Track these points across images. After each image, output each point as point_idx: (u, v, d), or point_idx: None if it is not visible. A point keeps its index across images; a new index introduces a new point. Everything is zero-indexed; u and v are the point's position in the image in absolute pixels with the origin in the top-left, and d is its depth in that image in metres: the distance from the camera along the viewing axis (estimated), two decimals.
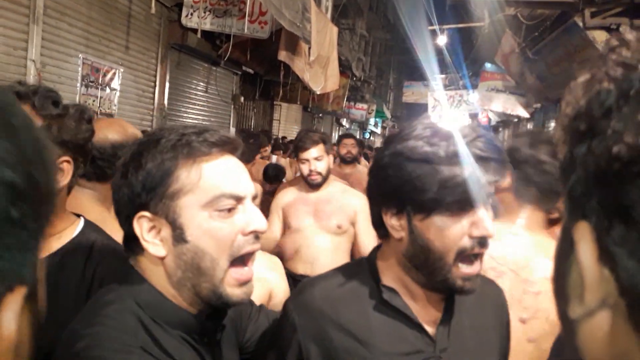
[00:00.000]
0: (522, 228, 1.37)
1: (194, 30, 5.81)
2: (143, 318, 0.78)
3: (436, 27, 12.26)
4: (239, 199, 0.82)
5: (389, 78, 27.55)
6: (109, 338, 0.74)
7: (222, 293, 0.80)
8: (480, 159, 0.85)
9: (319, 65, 7.11)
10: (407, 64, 27.24)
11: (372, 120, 21.75)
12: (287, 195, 2.89)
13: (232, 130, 8.28)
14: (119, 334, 0.75)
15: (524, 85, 9.93)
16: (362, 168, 4.71)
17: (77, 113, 1.13)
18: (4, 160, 0.31)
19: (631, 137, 0.28)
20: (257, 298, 1.77)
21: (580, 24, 5.57)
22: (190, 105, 7.13)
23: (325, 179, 2.74)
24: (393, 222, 0.91)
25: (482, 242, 0.87)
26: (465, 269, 0.88)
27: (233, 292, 0.81)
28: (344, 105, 12.65)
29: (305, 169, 2.73)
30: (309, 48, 6.30)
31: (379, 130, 25.32)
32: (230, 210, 0.80)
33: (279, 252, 2.75)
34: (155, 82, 6.05)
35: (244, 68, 8.26)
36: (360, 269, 1.01)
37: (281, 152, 6.83)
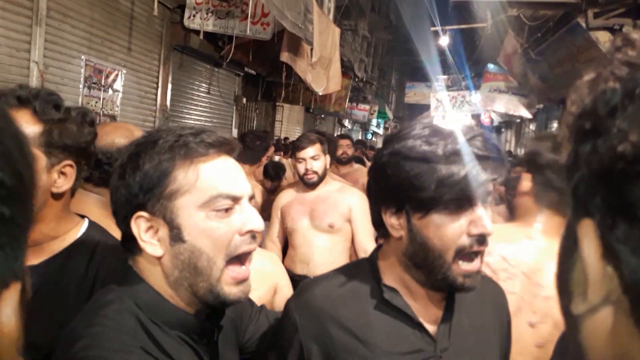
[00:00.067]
0: (539, 232, 1.37)
1: (197, 32, 5.82)
2: (142, 318, 0.79)
3: (438, 28, 12.26)
4: (235, 199, 0.82)
5: (391, 79, 27.55)
6: (108, 338, 0.74)
7: (220, 292, 0.81)
8: (478, 158, 0.85)
9: (321, 67, 7.11)
10: (410, 65, 27.24)
11: (374, 121, 21.75)
12: (285, 197, 2.94)
13: (235, 131, 8.29)
14: (118, 334, 0.75)
15: (527, 86, 9.92)
16: (359, 167, 4.75)
17: (78, 116, 1.12)
18: None
19: (636, 136, 0.28)
20: (264, 292, 1.80)
21: (583, 25, 5.57)
22: (193, 107, 7.15)
23: (321, 178, 2.77)
24: (392, 221, 0.92)
25: (481, 240, 0.88)
26: (465, 266, 0.88)
27: (230, 290, 0.82)
28: (346, 106, 12.65)
29: (301, 168, 2.76)
30: (311, 49, 6.30)
31: (381, 131, 25.32)
32: (227, 210, 0.81)
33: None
34: (157, 83, 6.06)
35: (246, 69, 8.28)
36: (361, 268, 1.02)
37: (282, 152, 6.84)
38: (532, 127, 13.79)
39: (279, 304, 1.82)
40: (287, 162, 5.46)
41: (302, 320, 0.97)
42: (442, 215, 0.86)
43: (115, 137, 1.43)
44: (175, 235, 0.79)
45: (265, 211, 3.11)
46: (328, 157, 2.85)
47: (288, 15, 5.07)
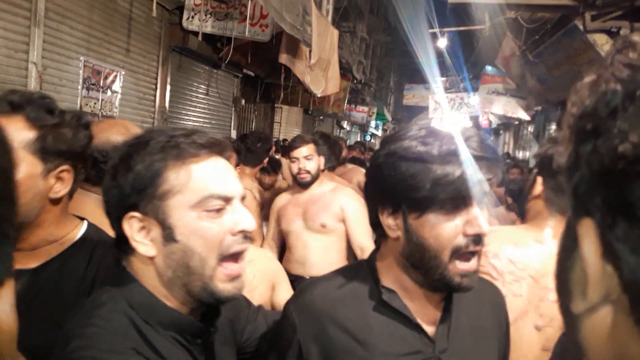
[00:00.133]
0: (549, 236, 1.36)
1: (195, 33, 5.82)
2: (135, 319, 0.79)
3: (437, 30, 12.27)
4: (227, 200, 0.83)
5: (389, 81, 27.58)
6: (101, 339, 0.75)
7: (213, 289, 0.81)
8: (473, 158, 0.86)
9: (320, 68, 7.12)
10: (408, 67, 27.27)
11: (372, 123, 21.78)
12: (280, 200, 2.98)
13: (233, 132, 8.29)
14: (111, 335, 0.76)
15: (525, 88, 9.95)
16: (352, 167, 4.82)
17: (73, 120, 1.10)
18: None
19: (636, 136, 0.28)
20: (264, 290, 1.82)
21: (581, 27, 5.59)
22: (191, 108, 7.15)
23: (314, 178, 2.79)
24: (389, 222, 0.93)
25: (477, 240, 0.88)
26: (461, 265, 0.89)
27: (224, 287, 0.82)
28: (344, 107, 12.65)
29: (294, 167, 2.78)
30: (310, 51, 6.31)
31: (379, 133, 25.34)
32: (219, 210, 0.82)
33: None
34: (156, 84, 6.06)
35: (244, 71, 8.28)
36: (360, 270, 1.02)
37: (280, 154, 6.84)
38: (530, 129, 13.82)
39: (278, 301, 1.86)
40: (285, 162, 5.47)
41: (300, 321, 0.97)
42: (438, 215, 0.87)
43: (111, 135, 1.41)
44: (168, 235, 0.79)
45: (265, 211, 3.12)
46: (322, 159, 2.87)
47: (286, 17, 5.08)
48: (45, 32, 4.19)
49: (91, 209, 1.31)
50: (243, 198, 0.86)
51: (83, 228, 1.17)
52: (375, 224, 0.97)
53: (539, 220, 1.39)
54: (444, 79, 18.48)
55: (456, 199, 0.86)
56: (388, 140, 0.94)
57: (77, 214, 1.19)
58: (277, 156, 5.66)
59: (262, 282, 1.81)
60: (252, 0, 5.27)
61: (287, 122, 11.66)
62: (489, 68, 11.74)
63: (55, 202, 1.09)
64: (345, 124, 18.30)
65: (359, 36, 14.37)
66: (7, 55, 3.86)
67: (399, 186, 0.88)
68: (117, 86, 5.20)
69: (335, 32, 7.67)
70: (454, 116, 15.19)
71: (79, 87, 4.66)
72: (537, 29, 7.26)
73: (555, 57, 7.10)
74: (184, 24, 5.95)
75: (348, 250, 3.26)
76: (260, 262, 1.83)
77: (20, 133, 1.02)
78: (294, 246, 2.82)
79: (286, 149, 3.05)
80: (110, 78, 5.09)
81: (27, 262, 1.07)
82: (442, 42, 13.71)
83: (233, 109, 8.45)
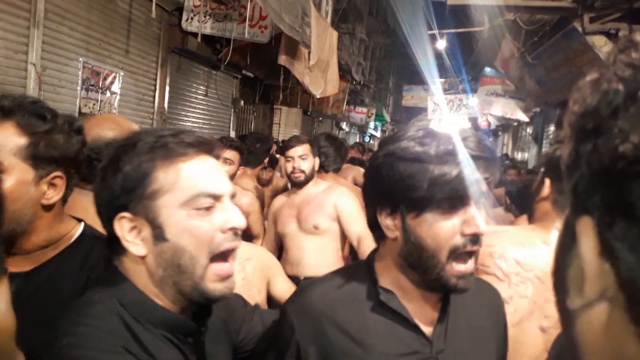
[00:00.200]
0: (557, 238, 1.36)
1: (194, 34, 5.82)
2: (126, 318, 0.80)
3: (436, 31, 12.30)
4: (217, 198, 0.84)
5: (388, 82, 27.59)
6: (92, 338, 0.76)
7: (204, 289, 0.82)
8: (470, 157, 0.87)
9: (319, 70, 7.12)
10: (407, 68, 27.26)
11: (371, 124, 21.77)
12: (277, 202, 3.01)
13: (233, 133, 8.29)
14: (101, 334, 0.77)
15: (524, 89, 9.96)
16: (347, 165, 4.80)
17: (65, 125, 1.08)
18: None
19: (637, 136, 0.28)
20: (263, 287, 1.84)
21: (579, 29, 5.60)
22: (191, 109, 7.15)
23: (308, 178, 2.81)
24: (387, 222, 0.93)
25: (475, 239, 0.89)
26: (458, 267, 0.89)
27: (215, 287, 0.83)
28: (343, 109, 12.66)
29: (289, 166, 2.81)
30: (309, 52, 6.31)
31: (378, 134, 25.34)
32: (208, 208, 0.82)
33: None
34: (155, 85, 6.06)
35: (244, 72, 8.28)
36: (358, 271, 1.02)
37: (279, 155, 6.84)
38: (528, 130, 13.83)
39: (277, 292, 1.92)
40: (283, 162, 5.48)
41: (299, 321, 0.97)
42: (436, 215, 0.88)
43: (101, 131, 1.38)
44: (158, 235, 0.80)
45: (265, 209, 3.14)
46: (317, 159, 2.90)
47: (286, 18, 5.08)
48: (45, 33, 4.19)
49: (84, 207, 1.31)
50: (233, 196, 0.87)
51: (79, 230, 1.16)
52: (374, 225, 0.97)
53: (546, 221, 1.39)
54: (442, 80, 18.48)
55: (453, 198, 0.87)
56: (386, 142, 0.95)
57: (70, 212, 1.18)
58: (277, 156, 5.67)
59: (260, 279, 1.83)
60: (252, 2, 5.27)
61: (286, 123, 11.66)
62: (487, 69, 11.75)
63: (48, 208, 1.07)
64: (344, 125, 18.30)
65: (358, 38, 14.38)
66: (6, 56, 3.86)
67: (397, 186, 0.89)
68: (116, 87, 5.20)
69: (335, 34, 7.68)
70: (452, 117, 15.20)
71: (78, 88, 4.65)
72: (536, 30, 7.28)
73: (554, 58, 7.10)
74: (183, 25, 5.95)
75: (350, 249, 3.28)
76: (257, 258, 1.87)
77: (11, 139, 1.00)
78: (289, 247, 2.84)
79: (282, 148, 3.08)
80: (110, 79, 5.09)
81: (20, 265, 1.06)
82: (441, 44, 13.73)
83: (232, 110, 8.45)
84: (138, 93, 5.73)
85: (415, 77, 20.27)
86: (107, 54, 5.06)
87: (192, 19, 5.92)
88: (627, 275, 0.30)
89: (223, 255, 0.84)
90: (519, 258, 1.34)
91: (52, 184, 1.06)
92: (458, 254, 0.89)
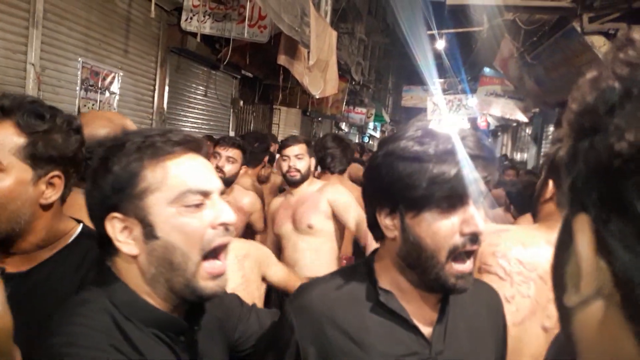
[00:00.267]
0: (556, 236, 1.36)
1: (194, 34, 5.82)
2: (116, 317, 0.81)
3: (435, 31, 12.30)
4: (205, 194, 0.85)
5: (388, 82, 27.61)
6: (81, 336, 0.77)
7: (196, 286, 0.83)
8: (469, 157, 0.87)
9: (318, 70, 7.12)
10: (406, 69, 27.28)
11: (371, 124, 21.78)
12: (274, 204, 3.04)
13: (232, 133, 8.29)
14: (91, 333, 0.78)
15: (523, 89, 9.96)
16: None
17: (64, 125, 1.09)
18: None
19: (632, 134, 0.29)
20: (259, 281, 1.87)
21: (579, 29, 5.60)
22: (190, 109, 7.14)
23: (304, 178, 2.83)
24: (387, 222, 0.94)
25: (474, 239, 0.89)
26: (457, 267, 0.89)
27: (206, 285, 0.84)
28: (343, 109, 12.66)
29: (285, 165, 2.83)
30: (308, 52, 6.31)
31: (378, 135, 25.36)
32: (198, 205, 0.83)
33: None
34: (154, 85, 6.06)
35: (243, 72, 8.27)
36: (358, 271, 1.03)
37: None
38: (528, 130, 13.84)
39: (276, 280, 1.96)
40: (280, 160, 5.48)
41: (298, 322, 0.98)
42: (435, 214, 0.88)
43: (93, 129, 1.38)
44: (149, 233, 0.81)
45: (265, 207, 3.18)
46: (313, 160, 2.92)
47: (285, 18, 5.08)
48: (44, 33, 4.19)
49: (80, 205, 1.31)
50: (222, 192, 0.88)
51: (77, 230, 1.16)
52: (373, 225, 0.97)
53: (550, 222, 1.39)
54: (442, 80, 18.49)
55: (452, 197, 0.87)
56: (386, 141, 0.96)
57: (68, 211, 1.18)
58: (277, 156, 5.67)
59: (258, 274, 1.87)
60: (251, 2, 5.27)
61: (285, 124, 11.66)
62: (487, 70, 11.75)
63: (47, 207, 1.08)
64: (343, 126, 18.31)
65: (358, 37, 14.39)
66: (5, 56, 3.86)
67: (396, 185, 0.89)
68: (115, 87, 5.19)
69: (334, 34, 7.68)
70: (452, 118, 15.20)
71: (77, 88, 4.65)
72: (535, 30, 7.28)
73: (553, 59, 7.11)
74: (183, 25, 5.95)
75: (353, 249, 3.29)
76: (253, 254, 1.89)
77: (10, 139, 1.01)
78: (285, 248, 2.86)
79: (279, 147, 3.11)
80: (109, 79, 5.09)
81: (18, 265, 1.07)
82: (441, 44, 13.75)
83: (231, 110, 8.45)
84: (137, 93, 5.73)
85: (415, 78, 20.29)
86: (106, 54, 5.05)
87: (191, 18, 5.91)
88: (622, 273, 0.30)
89: (215, 253, 0.85)
90: (522, 258, 1.34)
91: (50, 184, 1.07)
92: (457, 254, 0.89)
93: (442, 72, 17.49)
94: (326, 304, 0.98)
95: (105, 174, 0.82)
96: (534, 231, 1.41)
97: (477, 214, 0.89)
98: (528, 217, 2.45)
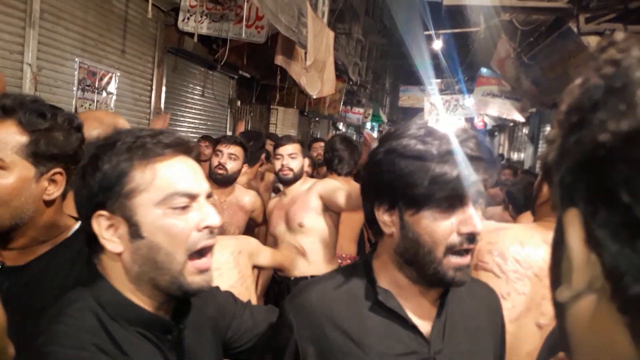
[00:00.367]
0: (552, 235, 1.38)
1: (191, 35, 5.81)
2: (101, 316, 0.83)
3: (432, 32, 12.31)
4: (192, 197, 0.86)
5: (385, 82, 27.61)
6: (66, 335, 0.78)
7: (182, 282, 0.84)
8: (471, 159, 0.87)
9: (316, 70, 7.12)
10: (404, 69, 27.28)
11: (368, 125, 21.78)
12: (270, 205, 3.07)
13: (229, 134, 8.27)
14: (75, 332, 0.79)
15: (520, 90, 9.98)
16: None
17: (65, 123, 1.12)
18: None
19: (614, 125, 0.30)
20: (250, 269, 1.92)
21: (575, 30, 5.61)
22: (187, 109, 7.14)
23: (296, 177, 2.86)
24: (385, 218, 0.94)
25: (471, 238, 0.90)
26: (455, 259, 0.90)
27: (193, 280, 0.85)
28: (340, 109, 12.66)
29: (278, 164, 2.87)
30: (305, 53, 6.31)
31: (375, 135, 25.37)
32: (184, 208, 0.85)
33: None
34: (151, 86, 6.05)
35: (240, 72, 8.27)
36: (357, 270, 1.03)
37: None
38: (525, 130, 13.87)
39: (264, 263, 2.04)
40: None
41: (297, 321, 0.98)
42: (434, 213, 0.88)
43: (85, 131, 1.41)
44: (134, 232, 0.83)
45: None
46: (307, 160, 2.98)
47: (282, 18, 5.08)
48: (40, 33, 4.18)
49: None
50: (209, 195, 0.89)
51: (74, 227, 1.19)
52: (371, 220, 0.98)
53: (548, 222, 1.41)
54: (439, 80, 18.53)
55: (452, 197, 0.88)
56: (387, 138, 0.96)
57: (66, 208, 1.20)
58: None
59: (250, 267, 1.91)
60: (248, 2, 5.27)
61: (283, 124, 11.65)
62: (484, 70, 11.77)
63: (49, 203, 1.11)
64: (341, 126, 18.31)
65: (355, 38, 14.38)
66: (2, 56, 3.85)
67: (397, 183, 0.90)
68: (112, 87, 5.18)
69: (331, 34, 7.68)
70: (449, 118, 15.22)
71: (74, 88, 4.64)
72: (532, 31, 7.30)
73: (549, 59, 7.12)
74: (180, 25, 5.94)
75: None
76: (245, 249, 1.92)
77: (13, 137, 1.03)
78: (279, 248, 2.86)
79: (273, 147, 3.13)
80: (106, 79, 5.08)
81: (17, 259, 1.10)
82: (438, 44, 13.73)
83: (229, 110, 8.44)
84: (134, 93, 5.72)
85: (412, 78, 20.30)
86: (103, 54, 5.05)
87: (188, 19, 5.91)
88: (611, 264, 0.31)
89: (200, 253, 0.86)
90: (518, 256, 1.35)
91: (52, 180, 1.10)
92: (454, 251, 0.90)
93: (439, 72, 17.53)
94: (325, 303, 0.98)
95: (95, 172, 0.83)
96: (532, 230, 1.43)
97: (475, 215, 0.90)
98: (528, 215, 2.48)
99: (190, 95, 7.21)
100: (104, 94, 5.07)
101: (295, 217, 2.79)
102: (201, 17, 5.85)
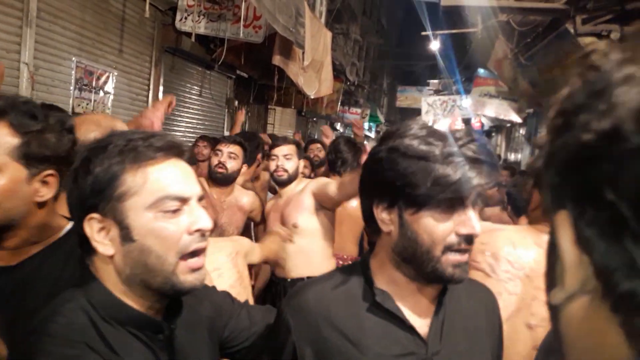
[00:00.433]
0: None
1: (188, 34, 5.80)
2: (93, 316, 0.83)
3: (429, 32, 12.32)
4: (184, 200, 0.86)
5: (382, 83, 27.62)
6: (56, 334, 0.79)
7: (175, 281, 0.85)
8: (472, 161, 0.88)
9: (313, 70, 7.12)
10: (401, 69, 27.32)
11: (366, 125, 21.80)
12: (268, 206, 3.07)
13: (227, 134, 8.27)
14: (67, 331, 0.80)
15: (517, 90, 10.00)
16: None
17: (57, 124, 1.11)
18: None
19: (596, 124, 0.31)
20: (246, 269, 1.92)
21: (572, 31, 5.63)
22: (184, 109, 7.12)
23: (291, 178, 2.85)
24: (383, 216, 0.94)
25: (469, 239, 0.91)
26: (453, 256, 0.91)
27: (186, 278, 0.86)
28: (338, 109, 12.67)
29: (273, 164, 2.85)
30: (303, 53, 6.31)
31: (373, 135, 25.37)
32: (175, 211, 0.85)
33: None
34: (149, 85, 6.03)
35: (238, 72, 8.26)
36: (354, 271, 1.03)
37: None
38: (522, 131, 13.90)
39: (255, 260, 2.05)
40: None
41: (295, 322, 0.98)
42: (434, 213, 0.89)
43: (82, 134, 1.38)
44: (125, 235, 0.83)
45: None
46: (302, 162, 2.95)
47: (280, 18, 5.08)
48: (37, 32, 4.16)
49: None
50: (200, 199, 0.90)
51: (67, 228, 1.19)
52: (369, 218, 0.98)
53: (540, 226, 1.43)
54: (436, 81, 18.56)
55: (453, 199, 0.88)
56: (389, 136, 0.95)
57: (58, 209, 1.20)
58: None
59: (246, 267, 1.92)
60: (246, 2, 5.27)
61: (280, 124, 11.65)
62: (481, 71, 11.79)
63: (41, 205, 1.11)
64: (338, 126, 18.32)
65: (352, 38, 14.39)
66: None
67: (398, 182, 0.90)
68: (109, 87, 5.17)
69: (329, 34, 7.68)
70: (446, 118, 15.24)
71: (71, 87, 4.63)
72: (529, 32, 7.31)
73: (546, 60, 7.14)
74: (177, 25, 5.93)
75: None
76: (240, 250, 1.93)
77: (4, 139, 1.03)
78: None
79: (269, 147, 3.14)
80: (103, 79, 5.06)
81: (8, 259, 1.10)
82: (435, 45, 13.75)
83: (226, 110, 8.43)
84: (131, 93, 5.70)
85: (409, 78, 20.35)
86: (100, 53, 5.03)
87: (186, 18, 5.90)
88: (600, 263, 0.31)
89: (192, 255, 0.87)
90: (510, 257, 1.37)
91: (44, 182, 1.09)
92: (452, 250, 0.91)
93: (436, 72, 17.56)
94: (322, 304, 0.98)
95: (86, 175, 0.84)
96: (524, 232, 1.45)
97: (474, 217, 0.90)
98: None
99: (188, 95, 7.20)
100: (101, 93, 5.06)
101: (289, 218, 2.79)
102: (199, 16, 5.85)
